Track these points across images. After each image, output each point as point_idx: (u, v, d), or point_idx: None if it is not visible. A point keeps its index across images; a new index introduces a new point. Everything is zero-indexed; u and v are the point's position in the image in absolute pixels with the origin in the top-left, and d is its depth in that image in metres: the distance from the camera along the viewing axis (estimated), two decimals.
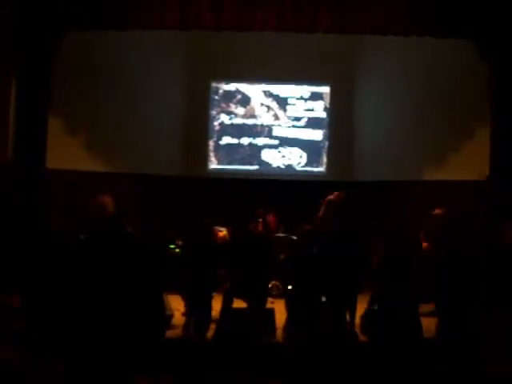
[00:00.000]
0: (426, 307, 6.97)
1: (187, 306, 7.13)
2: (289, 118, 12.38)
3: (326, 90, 12.33)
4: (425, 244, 8.08)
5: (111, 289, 5.59)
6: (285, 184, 11.82)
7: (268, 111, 12.41)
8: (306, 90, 12.35)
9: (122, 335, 5.32)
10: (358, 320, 6.76)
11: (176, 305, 7.42)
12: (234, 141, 12.41)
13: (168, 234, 8.66)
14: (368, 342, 6.37)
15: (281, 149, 12.38)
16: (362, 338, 6.54)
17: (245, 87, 12.42)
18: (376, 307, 6.33)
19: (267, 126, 12.40)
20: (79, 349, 5.31)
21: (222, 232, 8.13)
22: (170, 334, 6.72)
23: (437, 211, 8.34)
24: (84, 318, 5.59)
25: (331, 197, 7.89)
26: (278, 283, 8.70)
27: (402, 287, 6.18)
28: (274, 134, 12.40)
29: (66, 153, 10.31)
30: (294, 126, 12.37)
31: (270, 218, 9.75)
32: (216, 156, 12.42)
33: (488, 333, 5.71)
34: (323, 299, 6.91)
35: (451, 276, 6.43)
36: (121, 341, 5.29)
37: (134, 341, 5.36)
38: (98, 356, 5.23)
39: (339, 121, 12.25)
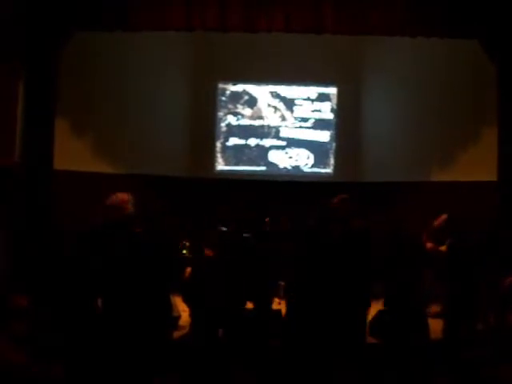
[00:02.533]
0: (432, 308, 6.98)
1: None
2: (296, 118, 12.39)
3: (333, 90, 12.34)
4: (429, 244, 8.09)
5: (118, 289, 5.60)
6: (292, 185, 11.82)
7: (275, 112, 12.42)
8: (313, 90, 12.35)
9: (127, 335, 5.32)
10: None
11: (183, 306, 7.41)
12: (241, 142, 12.42)
13: (176, 235, 8.69)
14: (376, 344, 6.37)
15: (288, 150, 12.39)
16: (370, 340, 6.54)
17: (252, 88, 12.43)
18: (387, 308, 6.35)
19: (274, 127, 12.41)
20: (83, 349, 5.32)
21: None
22: (176, 334, 6.74)
23: (443, 216, 8.35)
24: (90, 317, 5.60)
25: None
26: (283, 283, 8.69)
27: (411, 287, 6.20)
28: (281, 135, 12.40)
29: (73, 154, 10.34)
30: (301, 127, 12.38)
31: (282, 219, 9.74)
32: (223, 157, 12.43)
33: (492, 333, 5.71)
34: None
35: (456, 277, 6.44)
36: (126, 341, 5.29)
37: (140, 341, 5.35)
38: (102, 357, 5.24)
39: (346, 122, 12.25)
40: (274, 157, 12.41)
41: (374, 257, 6.64)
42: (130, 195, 6.93)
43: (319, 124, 12.36)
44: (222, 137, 12.43)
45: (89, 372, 5.23)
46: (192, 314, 6.52)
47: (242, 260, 6.74)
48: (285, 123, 12.40)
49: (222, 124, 12.44)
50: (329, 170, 12.37)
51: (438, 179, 10.79)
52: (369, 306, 6.38)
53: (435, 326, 6.51)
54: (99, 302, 5.95)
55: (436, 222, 8.33)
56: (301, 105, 12.38)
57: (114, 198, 6.87)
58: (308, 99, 12.37)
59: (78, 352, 5.36)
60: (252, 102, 12.45)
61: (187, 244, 8.58)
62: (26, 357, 5.07)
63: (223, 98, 12.46)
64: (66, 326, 5.58)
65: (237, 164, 12.42)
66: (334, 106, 12.33)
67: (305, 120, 12.38)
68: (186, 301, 7.08)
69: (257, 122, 12.44)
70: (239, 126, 12.45)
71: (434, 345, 6.21)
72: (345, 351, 5.76)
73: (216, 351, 5.98)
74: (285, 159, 12.41)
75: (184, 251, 8.43)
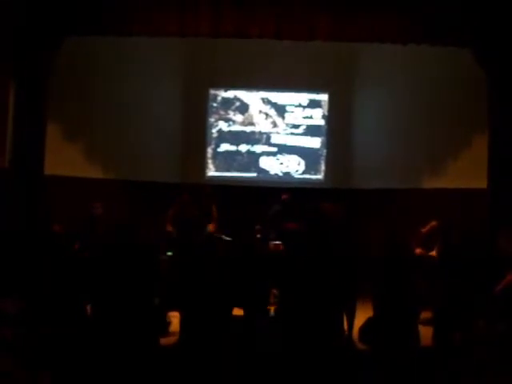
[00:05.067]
0: (423, 315, 6.97)
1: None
2: (287, 125, 12.39)
3: (324, 97, 12.35)
4: (418, 250, 8.12)
5: (106, 294, 5.59)
6: (283, 191, 11.80)
7: (266, 118, 12.42)
8: (304, 97, 12.37)
9: (116, 342, 5.31)
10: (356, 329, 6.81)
11: (173, 312, 7.39)
12: (232, 148, 12.42)
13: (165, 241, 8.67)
14: (366, 351, 6.37)
15: (279, 156, 12.39)
16: (360, 346, 6.55)
17: (243, 94, 12.43)
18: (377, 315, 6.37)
19: (265, 133, 12.41)
20: (71, 356, 5.30)
21: None
22: (166, 340, 6.70)
23: (432, 223, 8.39)
24: (79, 324, 5.59)
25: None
26: (275, 291, 8.66)
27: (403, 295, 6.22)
28: (273, 141, 12.40)
29: (65, 159, 10.32)
30: (292, 134, 12.38)
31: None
32: (214, 163, 12.42)
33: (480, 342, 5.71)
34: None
35: (446, 284, 6.45)
36: (115, 348, 5.27)
37: (128, 347, 5.34)
38: (90, 364, 5.22)
39: (337, 128, 12.27)
40: (265, 163, 12.41)
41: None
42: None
43: (310, 130, 12.37)
44: (213, 143, 12.42)
45: (76, 379, 5.20)
46: (181, 319, 6.51)
47: (235, 265, 6.75)
48: (276, 129, 12.41)
49: (213, 130, 12.43)
50: (320, 177, 12.38)
51: (428, 186, 10.80)
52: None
53: (426, 332, 6.51)
54: (88, 308, 5.96)
55: (424, 229, 8.39)
56: (292, 111, 12.39)
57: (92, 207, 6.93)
58: (299, 106, 12.38)
59: (66, 359, 5.33)
60: (243, 108, 12.45)
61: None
62: (12, 363, 5.05)
63: (214, 104, 12.45)
64: (55, 331, 5.55)
65: (228, 170, 12.41)
66: (326, 113, 12.35)
67: (296, 126, 12.38)
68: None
69: (248, 129, 12.44)
70: (230, 132, 12.45)
71: (424, 352, 6.20)
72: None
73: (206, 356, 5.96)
74: (276, 165, 12.41)
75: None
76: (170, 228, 9.32)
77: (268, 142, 12.41)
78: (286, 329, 6.73)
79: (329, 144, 12.33)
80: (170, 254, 8.34)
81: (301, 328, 6.17)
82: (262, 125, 12.43)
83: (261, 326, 6.73)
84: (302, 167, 12.39)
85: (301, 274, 6.65)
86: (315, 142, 12.37)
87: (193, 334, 6.25)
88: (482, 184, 9.37)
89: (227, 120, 12.45)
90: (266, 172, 12.41)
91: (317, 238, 7.33)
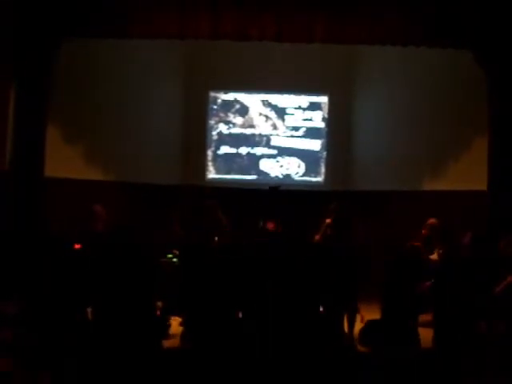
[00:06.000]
0: (423, 317, 6.97)
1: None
2: (287, 127, 12.40)
3: (324, 99, 12.36)
4: None
5: (104, 297, 5.59)
6: (283, 194, 11.80)
7: (266, 121, 12.43)
8: (304, 99, 12.37)
9: (116, 345, 5.30)
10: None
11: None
12: (233, 150, 12.43)
13: (165, 243, 8.65)
14: (366, 353, 6.36)
15: (279, 158, 12.40)
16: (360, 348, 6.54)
17: (243, 97, 12.44)
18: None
19: (265, 135, 12.42)
20: (71, 357, 5.29)
21: None
22: (167, 343, 6.69)
23: (430, 221, 8.38)
24: (79, 326, 5.58)
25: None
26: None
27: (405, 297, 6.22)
28: (273, 143, 12.41)
29: (65, 161, 10.29)
30: (292, 136, 12.39)
31: (269, 225, 9.76)
32: (214, 165, 12.43)
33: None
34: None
35: (447, 285, 6.44)
36: (115, 350, 5.26)
37: (128, 350, 5.32)
38: (90, 366, 5.21)
39: (337, 131, 12.27)
40: (265, 165, 12.41)
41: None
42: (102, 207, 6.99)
43: (310, 133, 12.38)
44: (213, 145, 12.44)
45: (76, 380, 5.19)
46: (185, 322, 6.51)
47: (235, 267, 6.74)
48: (276, 132, 12.42)
49: (213, 132, 12.44)
50: (320, 179, 12.38)
51: (429, 188, 10.78)
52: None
53: (426, 334, 6.50)
54: (89, 311, 5.96)
55: (424, 231, 8.38)
56: (292, 113, 12.40)
57: (92, 209, 6.93)
58: (299, 108, 12.39)
59: (66, 360, 5.32)
60: (243, 110, 12.46)
61: (177, 252, 8.50)
62: (12, 363, 5.04)
63: (214, 107, 12.47)
64: (55, 333, 5.54)
65: (228, 172, 12.42)
66: (326, 115, 12.35)
67: (296, 129, 12.39)
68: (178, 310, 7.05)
69: (248, 131, 12.45)
70: (230, 134, 12.46)
71: (424, 354, 6.20)
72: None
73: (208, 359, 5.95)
74: (276, 168, 12.42)
75: (174, 259, 8.36)
76: (178, 229, 9.27)
77: (268, 145, 12.43)
78: (285, 330, 6.73)
79: (329, 146, 12.33)
80: (170, 256, 8.31)
81: (301, 329, 6.16)
82: (262, 127, 12.44)
83: (259, 327, 6.72)
84: (302, 169, 12.39)
85: (300, 277, 6.65)
86: (315, 145, 12.38)
87: (197, 337, 6.26)
88: (483, 186, 9.36)
89: (227, 122, 12.46)
90: (266, 174, 12.41)
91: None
